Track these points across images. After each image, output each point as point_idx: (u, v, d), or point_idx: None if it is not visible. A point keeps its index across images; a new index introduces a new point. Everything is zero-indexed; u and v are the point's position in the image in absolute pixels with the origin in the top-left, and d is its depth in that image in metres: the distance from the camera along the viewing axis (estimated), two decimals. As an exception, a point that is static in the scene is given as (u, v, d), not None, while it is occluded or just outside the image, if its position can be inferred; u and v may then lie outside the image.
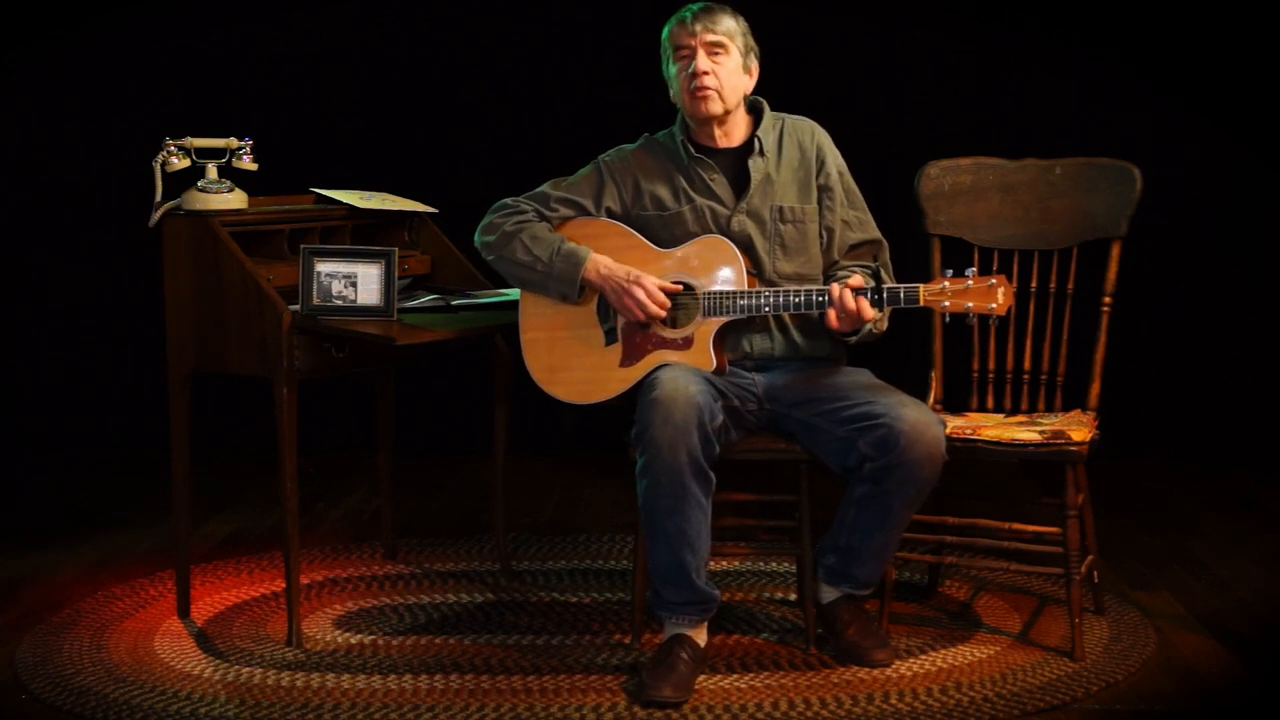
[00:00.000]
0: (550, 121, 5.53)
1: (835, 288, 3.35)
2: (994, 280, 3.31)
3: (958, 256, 3.88)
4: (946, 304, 3.32)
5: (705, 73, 3.48)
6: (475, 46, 5.57)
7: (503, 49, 5.57)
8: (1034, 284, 3.79)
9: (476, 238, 3.64)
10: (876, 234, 3.66)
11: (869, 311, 3.34)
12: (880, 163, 3.81)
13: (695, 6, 3.54)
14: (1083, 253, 3.78)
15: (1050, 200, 3.81)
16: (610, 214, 3.61)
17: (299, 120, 5.50)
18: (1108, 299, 3.74)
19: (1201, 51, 5.32)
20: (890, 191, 3.87)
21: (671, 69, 3.56)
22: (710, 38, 3.49)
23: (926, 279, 3.84)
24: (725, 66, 3.51)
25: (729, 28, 3.52)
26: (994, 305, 3.31)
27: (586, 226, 3.60)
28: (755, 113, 3.62)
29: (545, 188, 3.64)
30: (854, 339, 3.47)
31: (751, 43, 3.57)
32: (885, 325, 3.48)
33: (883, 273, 3.57)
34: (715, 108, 3.51)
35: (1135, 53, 5.32)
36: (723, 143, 3.59)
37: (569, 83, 5.54)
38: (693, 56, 3.49)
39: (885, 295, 3.35)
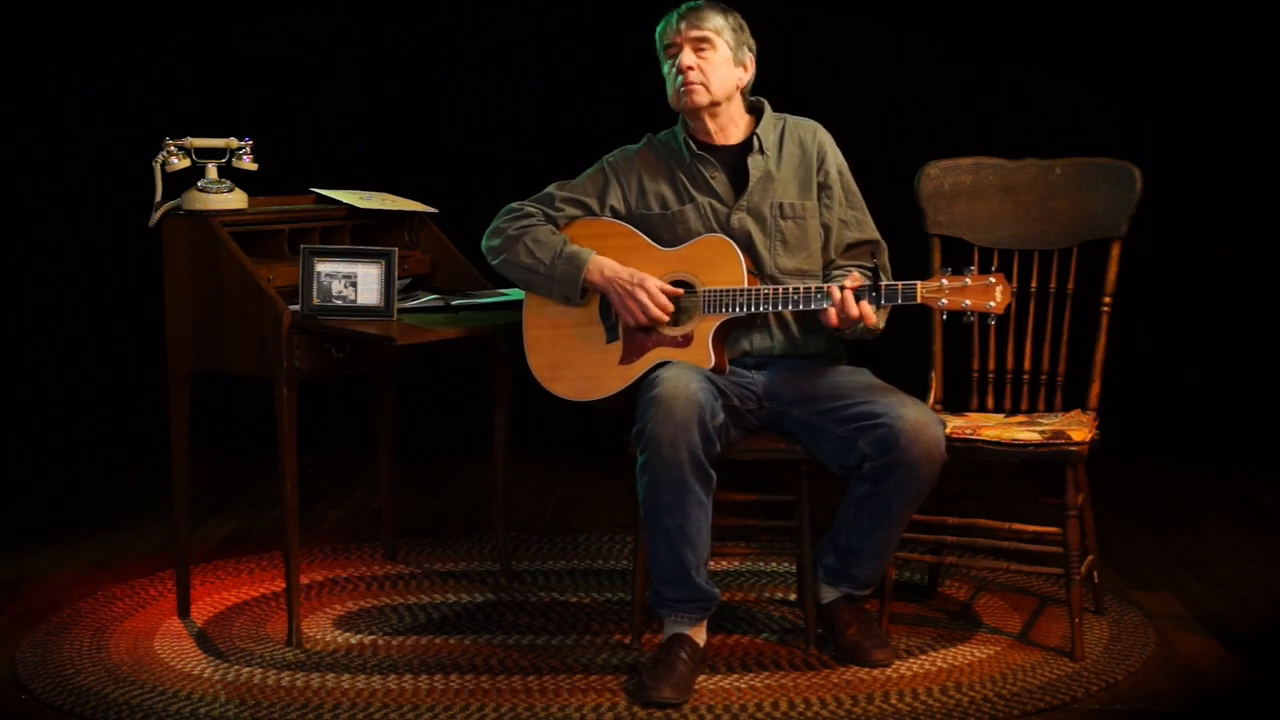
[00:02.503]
0: (550, 121, 5.53)
1: (836, 291, 3.36)
2: (992, 279, 3.32)
3: (958, 256, 3.88)
4: (944, 301, 3.33)
5: (690, 67, 3.53)
6: (475, 47, 5.57)
7: (502, 49, 5.57)
8: (1034, 284, 3.79)
9: (483, 242, 3.67)
10: (875, 234, 3.66)
11: (870, 315, 3.36)
12: (880, 163, 3.81)
13: (683, 7, 3.59)
14: (1083, 253, 3.78)
15: (1050, 200, 3.81)
16: (614, 213, 3.63)
17: (299, 120, 5.50)
18: (1108, 299, 3.74)
19: (1202, 51, 5.31)
20: (890, 191, 3.86)
21: (665, 68, 3.61)
22: (695, 34, 3.54)
23: (926, 279, 3.85)
24: (711, 61, 3.54)
25: (715, 24, 3.55)
26: (992, 304, 3.31)
27: (590, 226, 3.61)
28: (756, 113, 3.65)
29: (551, 189, 3.66)
30: (849, 334, 3.48)
31: (746, 38, 3.61)
32: (883, 324, 3.48)
33: (880, 273, 3.58)
34: (701, 98, 3.54)
35: (1135, 52, 5.32)
36: (720, 139, 3.62)
37: (569, 83, 5.54)
38: (680, 54, 3.54)
39: (883, 292, 3.36)
